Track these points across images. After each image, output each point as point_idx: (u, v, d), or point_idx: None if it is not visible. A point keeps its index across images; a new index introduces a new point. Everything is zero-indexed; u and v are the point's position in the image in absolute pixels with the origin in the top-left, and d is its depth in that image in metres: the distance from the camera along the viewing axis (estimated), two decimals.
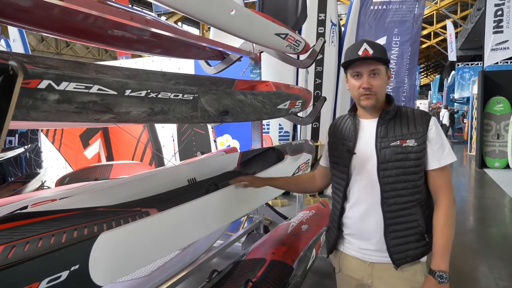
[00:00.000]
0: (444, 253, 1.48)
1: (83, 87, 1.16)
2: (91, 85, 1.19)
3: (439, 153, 1.49)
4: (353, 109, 1.66)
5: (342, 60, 1.60)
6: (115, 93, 1.28)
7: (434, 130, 1.50)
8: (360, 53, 1.49)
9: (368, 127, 1.58)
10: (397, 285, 1.53)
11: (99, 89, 1.22)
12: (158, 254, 1.48)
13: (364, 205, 1.56)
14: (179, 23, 18.99)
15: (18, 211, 1.56)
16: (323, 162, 1.83)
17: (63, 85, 1.10)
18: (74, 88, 1.14)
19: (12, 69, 0.88)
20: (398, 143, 1.49)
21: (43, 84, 1.05)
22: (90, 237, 1.14)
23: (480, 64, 11.22)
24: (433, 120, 1.51)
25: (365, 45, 1.50)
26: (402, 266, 1.51)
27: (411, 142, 1.48)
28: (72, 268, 1.07)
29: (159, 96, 1.45)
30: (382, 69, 1.51)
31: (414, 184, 1.50)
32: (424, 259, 1.56)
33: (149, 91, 1.39)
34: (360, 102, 1.56)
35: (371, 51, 1.48)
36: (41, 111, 1.09)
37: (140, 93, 1.36)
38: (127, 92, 1.31)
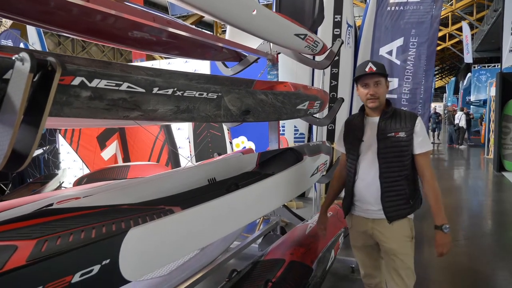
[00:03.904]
0: (440, 212, 2.03)
1: (114, 84, 1.18)
2: (121, 83, 1.20)
3: (422, 142, 2.07)
4: (362, 109, 2.23)
5: (355, 74, 2.19)
6: (144, 90, 1.29)
7: (419, 127, 2.07)
8: (367, 69, 2.06)
9: (372, 123, 2.15)
10: (391, 233, 2.09)
11: (128, 87, 1.23)
12: (184, 251, 1.49)
13: (367, 178, 2.12)
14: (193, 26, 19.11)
15: (46, 208, 1.59)
16: (343, 149, 2.34)
17: (94, 82, 1.12)
18: (105, 85, 1.15)
19: (51, 64, 0.90)
20: (393, 135, 2.06)
21: (76, 80, 1.08)
22: (121, 233, 1.16)
23: (498, 66, 11.04)
24: (418, 119, 2.10)
25: (370, 64, 2.08)
26: (394, 221, 2.07)
27: (402, 134, 2.05)
28: (103, 263, 1.09)
29: (185, 94, 1.46)
30: (382, 80, 2.09)
31: (402, 163, 2.07)
32: (411, 216, 2.13)
33: (175, 89, 1.41)
34: (368, 104, 2.13)
35: (374, 68, 2.05)
36: (74, 107, 1.11)
37: (167, 91, 1.38)
38: (155, 90, 1.33)
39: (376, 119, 2.14)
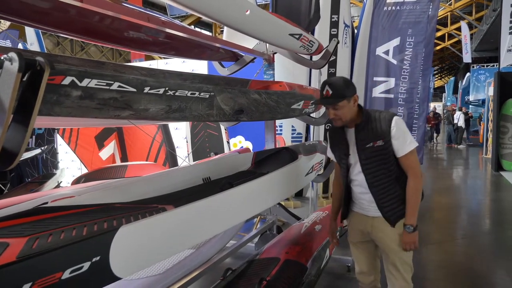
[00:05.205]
0: (413, 213, 2.03)
1: (104, 83, 1.20)
2: (112, 82, 1.22)
3: (402, 144, 2.01)
4: None
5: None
6: (135, 90, 1.31)
7: (395, 129, 2.01)
8: (324, 93, 2.00)
9: (351, 134, 2.11)
10: (389, 232, 2.09)
11: (119, 86, 1.25)
12: (175, 249, 1.50)
13: (360, 187, 2.13)
14: (192, 26, 19.12)
15: (39, 206, 1.60)
16: (334, 158, 2.32)
17: (85, 82, 1.14)
18: (95, 84, 1.17)
19: (39, 64, 0.92)
20: (371, 145, 2.02)
21: (67, 80, 1.09)
22: (111, 230, 1.17)
23: (496, 65, 11.04)
24: (394, 121, 2.01)
25: (327, 87, 1.99)
26: (397, 223, 2.06)
27: (380, 142, 2.01)
28: (93, 260, 1.10)
29: (177, 94, 1.48)
30: (340, 104, 1.98)
31: (388, 169, 2.05)
32: None
33: (167, 88, 1.42)
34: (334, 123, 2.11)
35: (330, 92, 1.98)
36: (64, 107, 1.12)
37: (159, 91, 1.39)
38: (146, 89, 1.34)
39: (353, 130, 2.10)
